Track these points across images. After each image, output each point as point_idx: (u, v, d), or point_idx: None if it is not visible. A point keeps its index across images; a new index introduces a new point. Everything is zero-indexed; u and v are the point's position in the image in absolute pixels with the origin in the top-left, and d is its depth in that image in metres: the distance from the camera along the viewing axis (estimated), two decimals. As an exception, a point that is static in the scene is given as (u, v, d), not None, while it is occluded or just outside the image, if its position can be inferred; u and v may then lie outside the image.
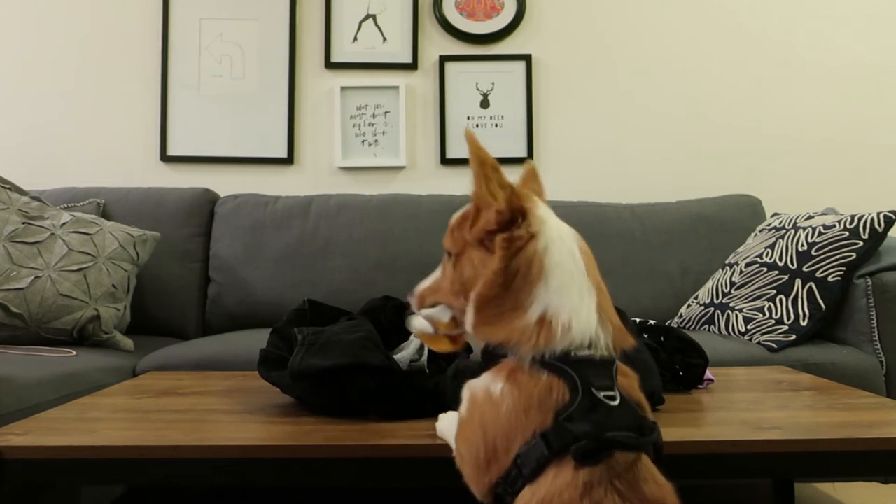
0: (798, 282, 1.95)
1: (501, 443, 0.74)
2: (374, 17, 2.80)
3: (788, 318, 1.92)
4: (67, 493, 1.38)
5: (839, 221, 1.97)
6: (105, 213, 2.37)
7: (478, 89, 2.79)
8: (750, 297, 2.03)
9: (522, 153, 2.76)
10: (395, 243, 2.40)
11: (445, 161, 2.76)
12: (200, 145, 2.75)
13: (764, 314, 1.97)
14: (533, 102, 2.78)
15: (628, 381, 0.79)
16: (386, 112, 2.78)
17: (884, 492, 1.90)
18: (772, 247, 2.08)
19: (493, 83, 2.79)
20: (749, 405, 1.28)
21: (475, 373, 0.82)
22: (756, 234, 2.27)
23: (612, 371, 0.77)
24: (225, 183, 2.65)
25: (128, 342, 1.99)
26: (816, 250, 1.95)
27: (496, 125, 2.78)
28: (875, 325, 1.88)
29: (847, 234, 1.93)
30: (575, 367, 0.74)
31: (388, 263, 2.38)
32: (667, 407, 1.24)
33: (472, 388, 0.81)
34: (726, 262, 2.25)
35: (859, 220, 1.93)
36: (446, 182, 2.71)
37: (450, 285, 0.88)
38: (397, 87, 2.77)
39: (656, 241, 2.45)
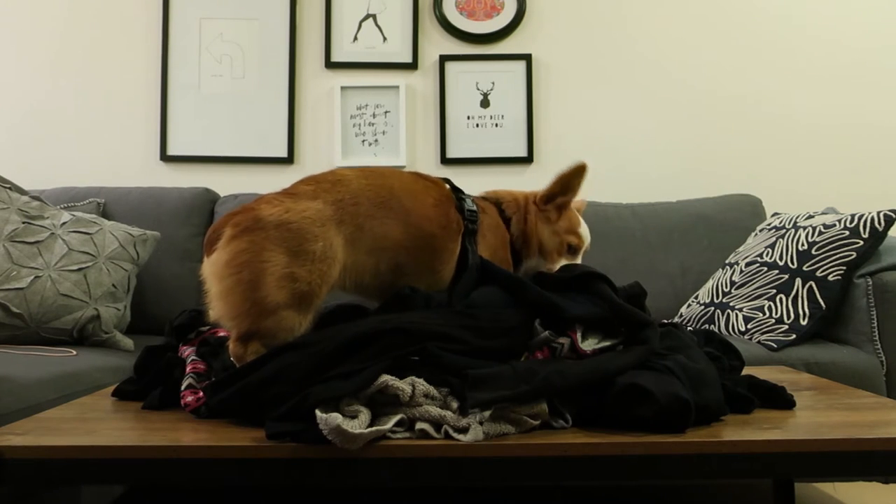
0: (798, 281, 1.95)
1: None
2: (374, 16, 2.80)
3: (788, 318, 1.92)
4: (67, 493, 1.38)
5: (839, 221, 1.97)
6: (105, 213, 2.37)
7: (478, 89, 2.79)
8: (750, 296, 2.03)
9: (522, 153, 2.76)
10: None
11: (445, 161, 2.76)
12: (200, 145, 2.75)
13: (764, 313, 1.96)
14: (533, 102, 2.78)
15: None
16: (386, 112, 2.78)
17: (884, 492, 1.90)
18: (772, 246, 2.08)
19: (493, 83, 2.79)
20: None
21: None
22: (756, 234, 2.27)
23: None
24: (225, 183, 2.65)
25: (128, 342, 1.99)
26: (817, 249, 1.95)
27: (496, 125, 2.78)
28: (875, 324, 1.88)
29: (847, 233, 1.93)
30: None
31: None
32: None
33: None
34: (726, 261, 2.25)
35: (859, 219, 1.93)
36: (446, 182, 2.72)
37: None
38: (397, 87, 2.77)
39: (656, 241, 2.45)
